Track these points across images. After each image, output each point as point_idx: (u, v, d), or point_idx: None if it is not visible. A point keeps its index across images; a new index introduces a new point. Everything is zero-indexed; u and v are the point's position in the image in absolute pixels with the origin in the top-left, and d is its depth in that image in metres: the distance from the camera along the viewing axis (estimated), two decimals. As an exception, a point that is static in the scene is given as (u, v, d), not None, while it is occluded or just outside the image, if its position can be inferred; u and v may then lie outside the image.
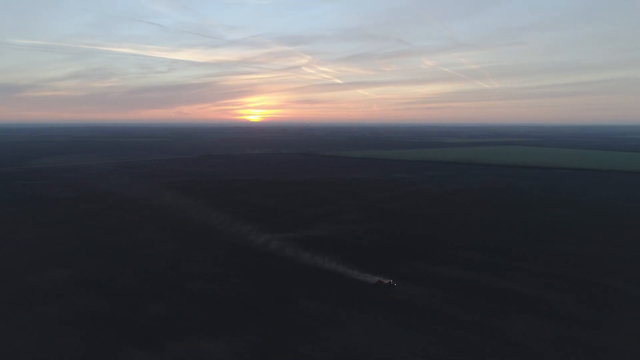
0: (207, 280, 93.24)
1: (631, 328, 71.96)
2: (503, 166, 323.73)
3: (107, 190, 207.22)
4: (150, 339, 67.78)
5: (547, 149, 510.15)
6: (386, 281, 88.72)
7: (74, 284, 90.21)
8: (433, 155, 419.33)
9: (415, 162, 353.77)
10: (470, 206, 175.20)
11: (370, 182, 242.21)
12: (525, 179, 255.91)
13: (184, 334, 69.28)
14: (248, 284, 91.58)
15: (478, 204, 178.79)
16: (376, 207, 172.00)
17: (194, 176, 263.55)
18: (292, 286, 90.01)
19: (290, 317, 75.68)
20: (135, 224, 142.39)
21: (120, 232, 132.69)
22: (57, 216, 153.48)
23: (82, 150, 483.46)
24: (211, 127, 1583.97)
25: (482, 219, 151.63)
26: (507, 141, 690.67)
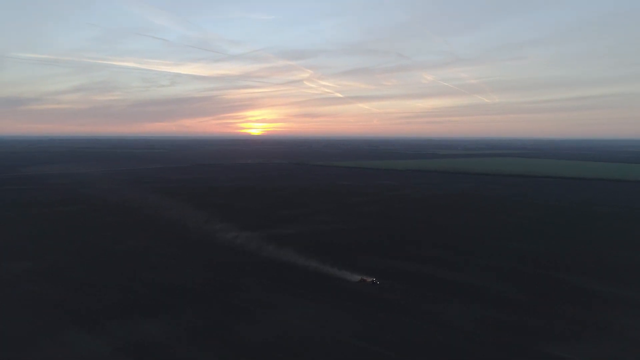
0: (162, 271, 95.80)
1: (565, 313, 74.14)
2: (487, 174, 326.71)
3: (91, 195, 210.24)
4: (93, 320, 70.18)
5: (537, 160, 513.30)
6: (369, 280, 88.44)
7: (32, 274, 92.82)
8: (423, 165, 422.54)
9: (404, 171, 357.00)
10: (442, 209, 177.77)
11: (353, 188, 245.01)
12: (506, 186, 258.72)
13: (127, 316, 71.69)
14: (202, 274, 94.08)
15: (450, 207, 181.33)
16: (352, 210, 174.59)
17: (181, 182, 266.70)
18: (245, 276, 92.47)
19: (234, 303, 78.10)
20: (110, 224, 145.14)
21: (93, 230, 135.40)
22: (34, 217, 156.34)
23: (76, 159, 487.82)
24: (211, 140, 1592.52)
25: (450, 220, 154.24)
26: (500, 153, 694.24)
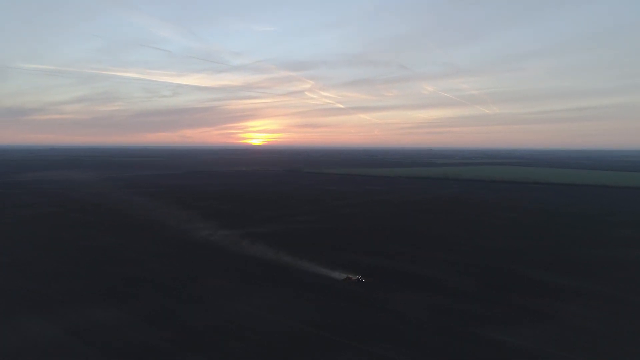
0: (128, 264, 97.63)
1: (512, 302, 75.53)
2: (477, 180, 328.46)
3: (77, 198, 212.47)
4: (49, 307, 71.88)
5: (530, 168, 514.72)
6: (355, 278, 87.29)
7: (3, 266, 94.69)
8: (416, 172, 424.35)
9: (395, 178, 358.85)
10: (422, 210, 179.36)
11: (339, 192, 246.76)
12: (493, 190, 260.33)
13: (83, 304, 73.38)
14: (166, 267, 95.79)
15: (429, 209, 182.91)
16: (332, 212, 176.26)
17: (170, 187, 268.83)
18: (209, 269, 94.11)
19: (191, 293, 79.70)
20: (89, 223, 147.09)
21: (70, 229, 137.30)
22: (15, 217, 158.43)
23: (71, 166, 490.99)
24: (210, 149, 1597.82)
25: (425, 220, 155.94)
26: (496, 162, 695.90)
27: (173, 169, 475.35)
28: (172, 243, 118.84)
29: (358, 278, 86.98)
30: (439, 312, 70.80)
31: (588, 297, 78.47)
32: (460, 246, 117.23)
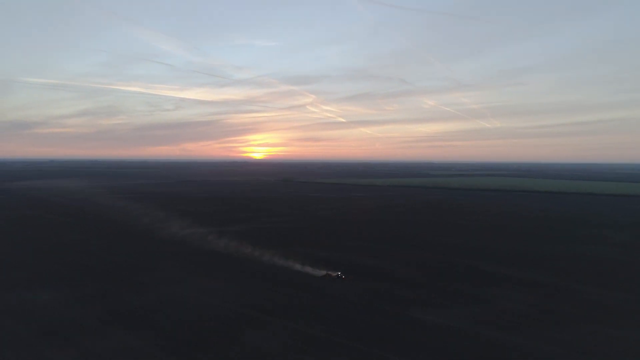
0: (85, 256, 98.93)
1: (450, 288, 76.37)
2: (463, 189, 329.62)
3: (58, 202, 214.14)
4: (-8, 290, 73.07)
5: (521, 179, 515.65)
6: (334, 274, 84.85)
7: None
8: (405, 182, 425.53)
9: (383, 187, 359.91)
10: (395, 213, 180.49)
11: (323, 198, 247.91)
12: (475, 197, 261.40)
13: (28, 288, 74.54)
14: (121, 258, 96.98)
15: (403, 212, 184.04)
16: (308, 214, 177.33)
17: (157, 193, 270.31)
18: (163, 260, 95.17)
19: (135, 279, 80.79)
20: (61, 223, 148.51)
21: (41, 228, 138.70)
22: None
23: (64, 176, 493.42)
24: (209, 162, 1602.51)
25: (395, 221, 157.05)
26: (490, 173, 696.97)
27: (165, 178, 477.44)
28: (138, 239, 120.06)
29: (338, 274, 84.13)
30: (376, 296, 71.71)
31: (528, 285, 79.39)
32: (425, 243, 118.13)
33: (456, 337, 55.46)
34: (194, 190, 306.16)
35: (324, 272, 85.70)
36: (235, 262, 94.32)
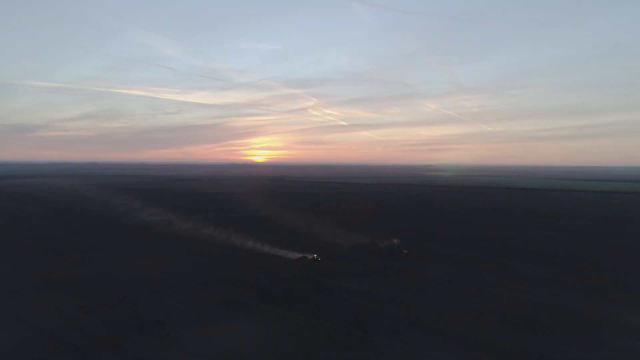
0: (42, 239, 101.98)
1: (388, 264, 78.77)
2: (449, 186, 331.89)
3: (38, 195, 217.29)
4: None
5: (512, 179, 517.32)
6: (310, 257, 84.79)
7: None
8: (395, 180, 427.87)
9: (371, 185, 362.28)
10: (369, 204, 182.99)
11: (306, 193, 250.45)
12: (457, 193, 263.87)
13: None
14: (80, 241, 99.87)
15: (377, 204, 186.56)
16: (282, 206, 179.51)
17: (144, 189, 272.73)
18: (119, 241, 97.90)
19: (82, 256, 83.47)
20: (32, 212, 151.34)
21: (9, 217, 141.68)
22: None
23: (56, 175, 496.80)
24: (209, 165, 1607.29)
25: (364, 211, 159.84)
26: (484, 174, 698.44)
27: (156, 177, 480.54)
28: (105, 224, 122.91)
29: (314, 257, 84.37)
30: (312, 271, 73.90)
31: (457, 260, 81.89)
32: (380, 228, 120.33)
33: (367, 299, 57.99)
34: (178, 186, 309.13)
35: (299, 255, 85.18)
36: (187, 243, 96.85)
